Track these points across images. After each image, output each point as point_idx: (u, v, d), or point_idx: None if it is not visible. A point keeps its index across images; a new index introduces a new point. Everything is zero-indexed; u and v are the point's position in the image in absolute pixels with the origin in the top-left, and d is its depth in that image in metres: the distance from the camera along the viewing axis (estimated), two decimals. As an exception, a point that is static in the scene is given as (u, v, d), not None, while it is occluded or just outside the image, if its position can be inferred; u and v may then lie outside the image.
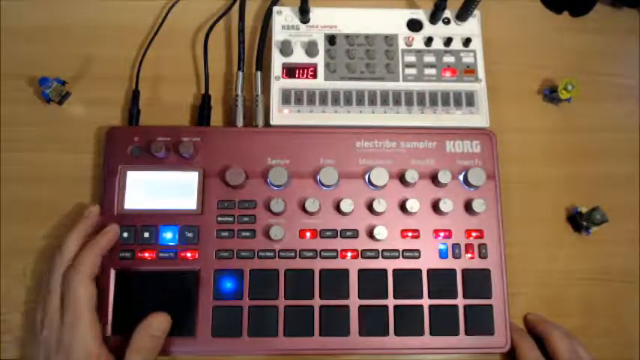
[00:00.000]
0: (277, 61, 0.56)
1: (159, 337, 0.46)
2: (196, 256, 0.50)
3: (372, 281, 0.50)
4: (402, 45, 0.57)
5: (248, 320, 0.49)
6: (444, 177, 0.51)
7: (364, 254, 0.51)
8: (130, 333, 0.45)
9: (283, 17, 0.57)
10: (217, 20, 0.59)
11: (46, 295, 0.46)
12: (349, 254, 0.51)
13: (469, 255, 0.51)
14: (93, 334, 0.44)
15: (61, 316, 0.45)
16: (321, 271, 0.50)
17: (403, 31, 0.57)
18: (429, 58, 0.56)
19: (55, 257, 0.47)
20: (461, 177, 0.53)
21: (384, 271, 0.51)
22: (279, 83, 0.55)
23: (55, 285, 0.46)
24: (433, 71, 0.56)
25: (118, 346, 0.46)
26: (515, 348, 0.49)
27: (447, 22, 0.58)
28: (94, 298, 0.46)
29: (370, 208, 0.52)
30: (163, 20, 0.59)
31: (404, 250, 0.51)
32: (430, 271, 0.51)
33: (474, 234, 0.52)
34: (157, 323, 0.47)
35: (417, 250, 0.51)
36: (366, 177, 0.52)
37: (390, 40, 0.57)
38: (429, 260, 0.51)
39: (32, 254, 0.53)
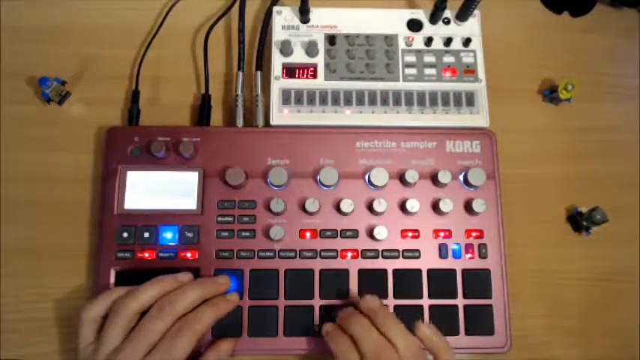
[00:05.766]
0: (277, 61, 0.56)
1: None
2: (196, 256, 0.50)
3: (372, 281, 0.50)
4: (402, 45, 0.57)
5: (248, 320, 0.49)
6: (444, 177, 0.51)
7: (364, 254, 0.51)
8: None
9: (283, 17, 0.57)
10: (217, 20, 0.59)
11: (139, 334, 0.42)
12: (349, 254, 0.51)
13: (469, 255, 0.51)
14: None
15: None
16: (321, 271, 0.50)
17: (403, 31, 0.57)
18: (429, 58, 0.56)
19: (165, 303, 0.44)
20: (461, 177, 0.53)
21: (384, 271, 0.51)
22: (279, 83, 0.55)
23: (158, 329, 0.42)
24: (433, 71, 0.56)
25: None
26: (333, 352, 0.45)
27: (447, 22, 0.58)
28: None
29: (370, 208, 0.52)
30: (163, 20, 0.59)
31: (404, 250, 0.51)
32: (430, 271, 0.51)
33: (474, 234, 0.52)
34: (225, 349, 0.47)
35: (417, 250, 0.51)
36: (366, 177, 0.52)
37: (390, 40, 0.57)
38: (429, 260, 0.51)
39: (32, 254, 0.53)
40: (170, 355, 0.42)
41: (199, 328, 0.44)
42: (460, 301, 0.50)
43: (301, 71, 0.55)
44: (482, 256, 0.51)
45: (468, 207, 0.52)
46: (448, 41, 0.56)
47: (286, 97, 0.55)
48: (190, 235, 0.51)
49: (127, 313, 0.43)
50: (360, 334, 0.43)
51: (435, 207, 0.52)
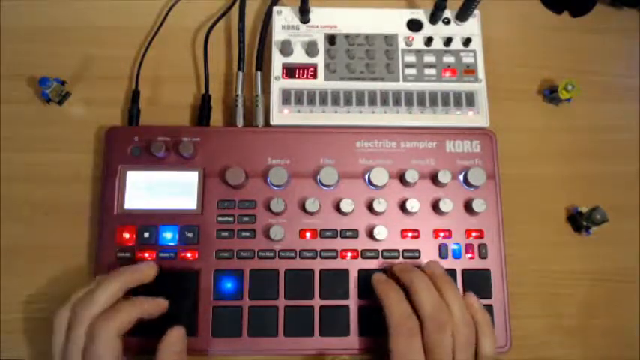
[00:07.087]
0: (277, 61, 0.56)
1: (181, 351, 0.45)
2: (196, 256, 0.50)
3: (372, 281, 0.50)
4: (402, 45, 0.57)
5: (248, 320, 0.49)
6: (444, 177, 0.51)
7: (364, 254, 0.51)
8: (130, 334, 0.45)
9: (283, 17, 0.57)
10: (217, 20, 0.59)
11: (66, 345, 0.42)
12: (349, 254, 0.51)
13: (469, 255, 0.51)
14: None
15: None
16: (321, 271, 0.50)
17: (403, 31, 0.57)
18: (429, 58, 0.56)
19: (84, 303, 0.43)
20: (461, 177, 0.53)
21: (385, 271, 0.51)
22: (279, 83, 0.55)
23: (78, 336, 0.42)
24: (433, 71, 0.56)
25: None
26: (381, 300, 0.46)
27: (447, 22, 0.58)
28: (120, 356, 0.42)
29: (370, 208, 0.52)
30: (163, 20, 0.59)
31: (404, 250, 0.51)
32: (430, 271, 0.51)
33: (474, 234, 0.52)
34: (176, 338, 0.45)
35: (417, 250, 0.51)
36: (366, 177, 0.52)
37: (390, 40, 0.57)
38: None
39: (32, 254, 0.53)
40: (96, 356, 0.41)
41: (114, 322, 0.42)
42: (460, 301, 0.50)
43: (301, 71, 0.55)
44: (483, 256, 0.51)
45: (468, 207, 0.52)
46: (448, 41, 0.56)
47: (286, 97, 0.55)
48: (190, 235, 0.51)
49: (84, 321, 0.42)
50: (421, 291, 0.45)
51: (435, 207, 0.52)
